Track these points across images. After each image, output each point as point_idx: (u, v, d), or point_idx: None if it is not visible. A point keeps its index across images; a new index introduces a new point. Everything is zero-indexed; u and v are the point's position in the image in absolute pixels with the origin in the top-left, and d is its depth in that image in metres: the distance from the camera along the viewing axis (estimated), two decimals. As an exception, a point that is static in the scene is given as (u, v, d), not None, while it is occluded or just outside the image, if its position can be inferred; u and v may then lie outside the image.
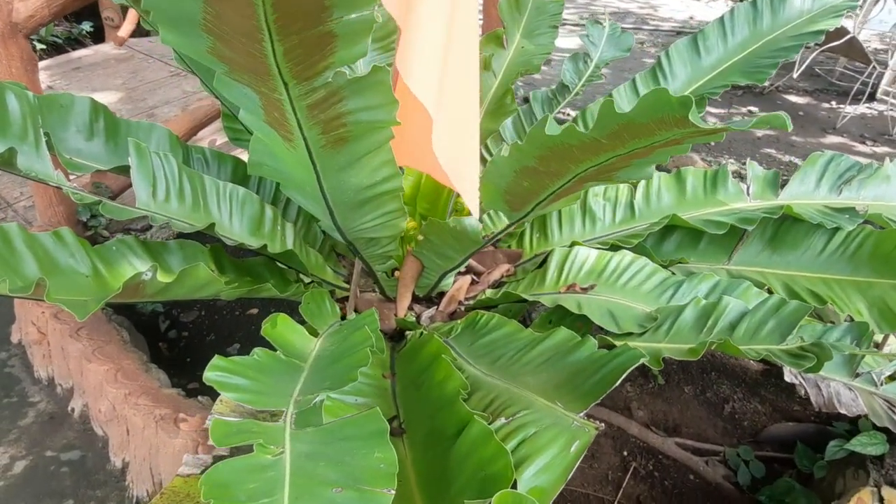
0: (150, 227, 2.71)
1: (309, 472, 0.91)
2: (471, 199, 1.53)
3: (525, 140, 1.16)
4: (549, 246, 2.00)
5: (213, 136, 3.27)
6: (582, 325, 1.60)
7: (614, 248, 1.84)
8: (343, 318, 1.79)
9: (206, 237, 1.59)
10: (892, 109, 4.72)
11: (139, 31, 4.31)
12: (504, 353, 1.42)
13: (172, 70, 4.27)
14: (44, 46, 4.80)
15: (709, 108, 4.54)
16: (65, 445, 1.97)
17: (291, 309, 1.63)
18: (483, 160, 2.22)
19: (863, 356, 1.63)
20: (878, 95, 4.96)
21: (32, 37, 2.04)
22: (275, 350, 1.31)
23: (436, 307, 1.92)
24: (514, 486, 0.94)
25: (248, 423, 1.04)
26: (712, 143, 4.26)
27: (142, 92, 3.98)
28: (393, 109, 1.16)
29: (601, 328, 1.55)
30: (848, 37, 4.35)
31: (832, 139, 4.41)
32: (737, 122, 0.88)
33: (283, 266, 1.85)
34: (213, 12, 0.92)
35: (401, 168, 1.43)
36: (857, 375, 1.65)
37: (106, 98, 3.78)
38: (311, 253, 1.89)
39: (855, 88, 4.73)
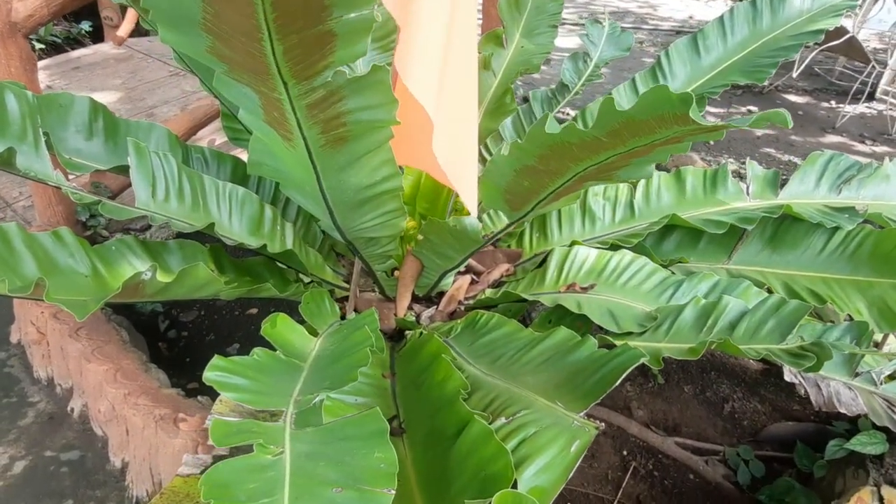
0: (150, 226, 2.70)
1: (309, 472, 0.90)
2: (469, 198, 1.53)
3: (525, 139, 1.16)
4: (549, 245, 2.00)
5: (212, 136, 3.27)
6: (582, 324, 1.60)
7: (614, 247, 1.84)
8: (343, 317, 1.79)
9: (205, 237, 1.59)
10: (891, 109, 4.72)
11: (138, 31, 4.31)
12: (504, 352, 1.41)
13: (172, 70, 4.26)
14: (43, 46, 4.80)
15: (708, 108, 4.53)
16: (64, 445, 1.97)
17: (291, 309, 1.63)
18: (483, 159, 2.22)
19: (862, 355, 1.63)
20: (878, 95, 4.97)
21: (31, 36, 2.04)
22: (274, 350, 1.31)
23: (435, 307, 1.92)
24: (515, 486, 0.94)
25: (248, 423, 1.03)
26: (711, 143, 4.26)
27: (141, 91, 3.98)
28: (392, 109, 1.16)
29: (601, 328, 1.55)
30: (847, 36, 4.35)
31: (831, 138, 4.41)
32: (737, 120, 0.87)
33: (282, 266, 1.85)
34: (212, 11, 0.92)
35: (400, 167, 1.43)
36: (857, 375, 1.65)
37: (105, 98, 3.78)
38: (311, 252, 1.89)
39: (854, 88, 4.73)
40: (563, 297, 1.66)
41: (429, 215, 2.02)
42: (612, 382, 1.10)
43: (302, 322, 1.54)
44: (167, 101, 3.85)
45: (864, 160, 1.97)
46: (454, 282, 1.94)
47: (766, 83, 5.20)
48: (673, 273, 1.71)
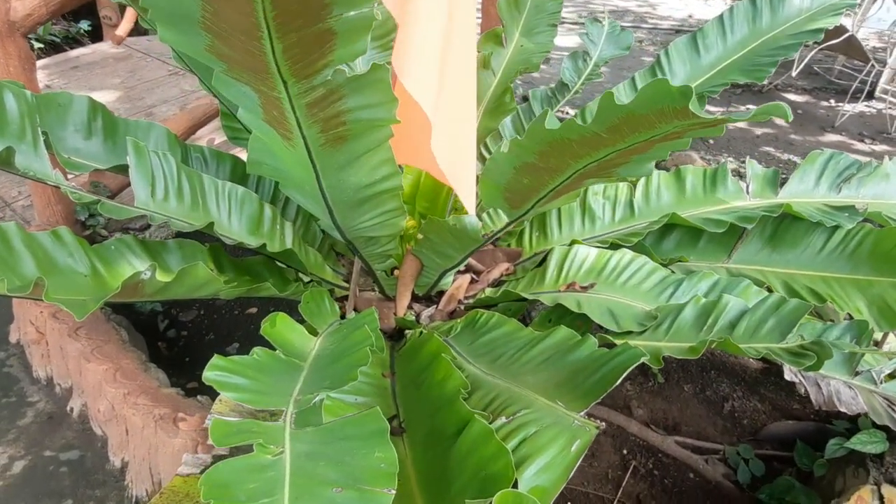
0: (149, 226, 2.70)
1: (309, 471, 0.90)
2: (467, 197, 1.53)
3: (525, 135, 1.16)
4: (549, 244, 2.00)
5: (211, 135, 3.27)
6: (581, 323, 1.60)
7: (614, 246, 1.83)
8: (342, 317, 1.79)
9: (204, 236, 1.59)
10: (890, 107, 4.72)
11: (137, 30, 4.30)
12: (504, 351, 1.41)
13: (171, 69, 4.26)
14: (41, 45, 4.79)
15: (708, 107, 4.53)
16: (64, 445, 1.97)
17: (291, 308, 1.63)
18: (482, 158, 2.21)
19: (862, 354, 1.63)
20: (877, 94, 4.96)
21: (30, 35, 2.04)
22: (274, 349, 1.31)
23: (435, 306, 1.92)
24: (515, 486, 0.94)
25: (248, 423, 1.03)
26: (711, 142, 4.26)
27: (140, 91, 3.97)
28: (392, 107, 1.16)
29: (600, 327, 1.55)
30: (847, 35, 4.35)
31: (831, 137, 4.41)
32: (738, 114, 0.87)
33: (282, 265, 1.85)
34: (211, 10, 0.92)
35: (400, 166, 1.42)
36: (857, 374, 1.65)
37: (104, 97, 3.78)
38: (311, 252, 1.89)
39: (854, 87, 4.73)
40: (562, 296, 1.66)
41: (428, 214, 2.01)
42: (613, 382, 1.10)
43: (301, 321, 1.54)
44: (166, 101, 3.85)
45: (863, 159, 1.97)
46: (454, 281, 1.94)
47: (765, 82, 5.20)
48: (673, 272, 1.71)
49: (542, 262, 1.86)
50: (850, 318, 1.62)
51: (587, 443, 1.01)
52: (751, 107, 4.82)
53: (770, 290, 1.70)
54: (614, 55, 2.34)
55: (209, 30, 0.97)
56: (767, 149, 4.23)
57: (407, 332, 1.76)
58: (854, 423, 1.75)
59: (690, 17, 7.73)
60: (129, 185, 1.55)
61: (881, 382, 1.64)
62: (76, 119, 1.71)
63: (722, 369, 2.23)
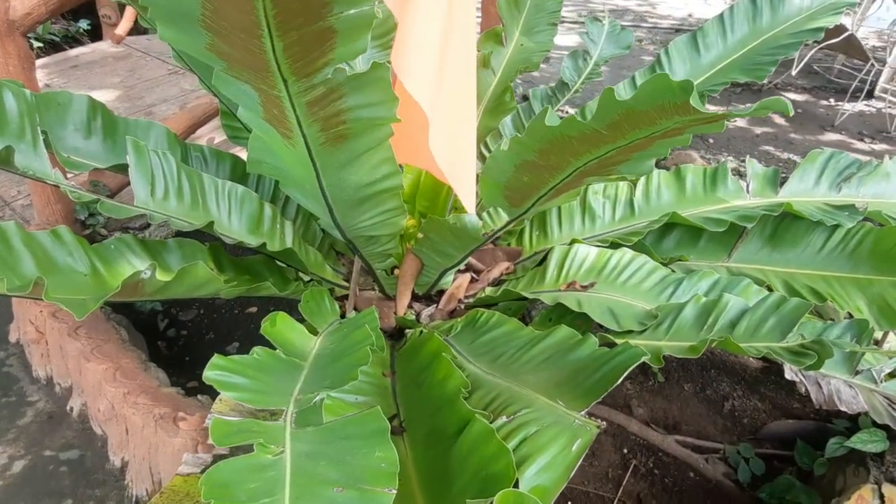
0: (149, 225, 2.70)
1: (309, 471, 0.90)
2: (466, 196, 1.52)
3: (525, 132, 1.16)
4: (549, 244, 2.00)
5: (211, 135, 3.27)
6: (582, 323, 1.60)
7: (614, 245, 1.83)
8: (342, 316, 1.79)
9: (204, 235, 1.59)
10: (890, 107, 4.72)
11: (137, 29, 4.30)
12: (504, 351, 1.41)
13: (170, 68, 4.25)
14: (41, 44, 4.78)
15: (708, 106, 4.52)
16: (63, 445, 1.97)
17: (290, 307, 1.62)
18: (482, 157, 2.21)
19: (863, 353, 1.63)
20: (877, 93, 4.96)
21: (29, 34, 2.03)
22: (274, 349, 1.31)
23: (435, 305, 1.92)
24: (516, 485, 0.94)
25: (249, 423, 1.03)
26: (711, 141, 4.26)
27: (139, 90, 3.97)
28: (393, 106, 1.16)
29: (601, 326, 1.55)
30: (846, 34, 4.34)
31: (830, 136, 4.41)
32: (738, 109, 0.87)
33: (282, 264, 1.85)
34: (211, 8, 0.92)
35: (400, 166, 1.42)
36: (858, 373, 1.65)
37: (103, 96, 3.77)
38: (311, 251, 1.89)
39: (853, 86, 4.72)
40: (563, 295, 1.66)
41: (429, 213, 2.01)
42: (614, 381, 1.10)
43: (302, 321, 1.54)
44: (166, 100, 3.85)
45: (863, 158, 1.97)
46: (454, 280, 1.93)
47: (765, 81, 5.19)
48: (673, 271, 1.71)
49: (543, 261, 1.85)
50: (850, 316, 1.62)
51: (588, 442, 1.01)
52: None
53: (770, 290, 1.70)
54: (614, 54, 2.34)
55: (209, 28, 0.96)
56: (767, 148, 4.22)
57: (407, 331, 1.76)
58: (854, 422, 1.75)
59: (690, 16, 7.72)
60: (128, 184, 1.55)
61: (881, 381, 1.64)
62: (76, 118, 1.71)
63: (722, 368, 2.23)
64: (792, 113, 0.83)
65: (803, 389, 1.69)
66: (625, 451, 1.94)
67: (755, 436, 1.98)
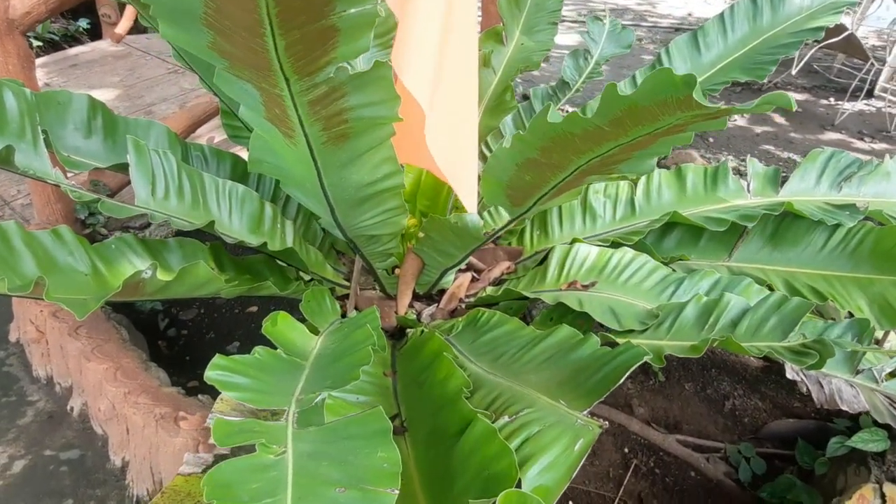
0: (149, 224, 2.70)
1: (311, 471, 0.90)
2: (466, 195, 1.52)
3: (528, 129, 1.16)
4: (550, 243, 2.00)
5: (210, 134, 3.26)
6: (583, 322, 1.60)
7: (615, 245, 1.83)
8: (343, 315, 1.79)
9: (205, 235, 1.59)
10: (890, 106, 4.72)
11: (136, 28, 4.29)
12: (506, 350, 1.41)
13: (170, 67, 4.25)
14: (40, 43, 4.77)
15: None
16: (64, 444, 1.96)
17: (291, 307, 1.62)
18: (483, 157, 2.21)
19: (864, 353, 1.63)
20: (876, 92, 4.96)
21: (29, 34, 2.03)
22: (275, 348, 1.31)
23: (436, 305, 1.91)
24: (519, 485, 0.93)
25: (251, 423, 1.03)
26: (711, 140, 4.26)
27: (139, 89, 3.96)
28: (395, 105, 1.16)
29: (601, 325, 1.54)
30: (846, 33, 4.34)
31: (830, 136, 4.41)
32: (742, 105, 0.87)
33: (282, 264, 1.85)
34: (214, 6, 0.91)
35: (401, 165, 1.42)
36: (858, 372, 1.65)
37: (103, 95, 3.77)
38: (311, 250, 1.89)
39: (853, 85, 4.72)
40: (564, 294, 1.66)
41: (429, 213, 2.01)
42: (616, 381, 1.10)
43: (302, 320, 1.54)
44: (166, 99, 3.84)
45: (863, 157, 1.97)
46: (455, 279, 1.93)
47: (765, 80, 5.19)
48: (674, 270, 1.71)
49: (543, 260, 1.85)
50: (851, 316, 1.62)
51: (590, 442, 1.01)
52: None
53: (771, 289, 1.70)
54: (615, 53, 2.34)
55: (211, 26, 0.96)
56: (767, 147, 4.22)
57: (408, 330, 1.76)
58: (855, 422, 1.75)
59: (690, 15, 7.72)
60: (128, 183, 1.55)
61: (882, 381, 1.64)
62: (76, 117, 1.71)
63: (722, 367, 2.23)
64: (796, 108, 0.83)
65: (805, 389, 1.69)
66: (626, 450, 1.94)
67: (756, 435, 1.98)
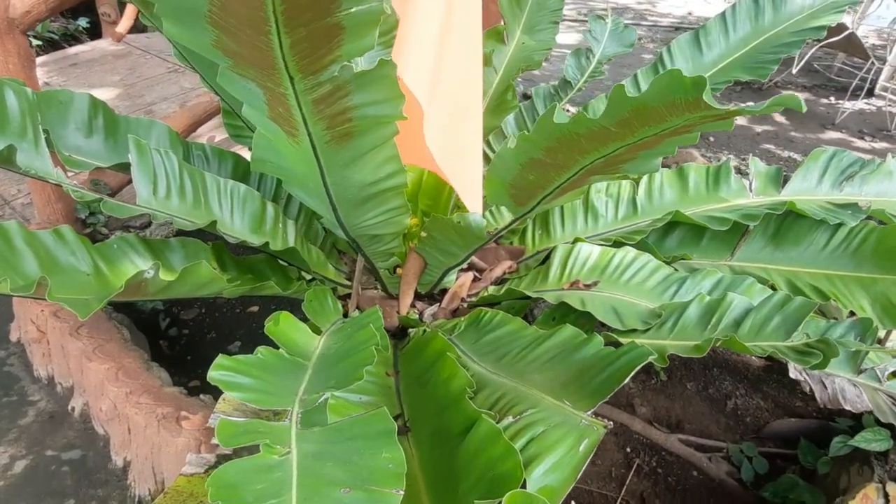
0: (150, 224, 2.69)
1: (316, 472, 0.90)
2: (467, 194, 1.52)
3: (533, 130, 1.15)
4: (552, 242, 2.00)
5: (211, 133, 3.26)
6: (585, 322, 1.60)
7: (617, 244, 1.83)
8: (345, 315, 1.79)
9: (206, 235, 1.58)
10: (890, 105, 4.72)
11: (136, 27, 4.28)
12: (509, 350, 1.41)
13: (170, 66, 4.24)
14: (40, 43, 4.76)
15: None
16: (65, 445, 1.96)
17: (292, 306, 1.62)
18: (485, 156, 2.21)
19: (867, 352, 1.63)
20: (877, 91, 4.97)
21: (28, 33, 2.02)
22: (278, 348, 1.30)
23: (438, 304, 1.91)
24: (524, 486, 0.93)
25: (255, 423, 1.03)
26: (711, 139, 4.25)
27: (140, 88, 3.96)
28: (399, 104, 1.15)
29: (603, 325, 1.54)
30: (847, 32, 4.34)
31: (831, 135, 4.41)
32: (751, 106, 0.87)
33: (284, 263, 1.84)
34: (219, 4, 0.91)
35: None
36: (861, 371, 1.65)
37: (103, 94, 3.76)
38: (313, 250, 1.88)
39: (854, 84, 4.72)
40: (566, 294, 1.66)
41: (431, 212, 2.01)
42: (620, 381, 1.10)
43: (304, 320, 1.53)
44: (166, 98, 3.84)
45: (864, 156, 1.97)
46: (457, 279, 1.93)
47: (765, 79, 5.19)
48: (676, 270, 1.71)
49: (546, 259, 1.85)
50: (853, 315, 1.61)
51: (595, 442, 1.01)
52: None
53: (774, 288, 1.70)
54: (617, 52, 2.34)
55: (216, 24, 0.96)
56: (768, 146, 4.22)
57: (410, 330, 1.76)
58: (857, 421, 1.75)
59: (690, 14, 7.72)
60: (129, 182, 1.54)
61: (885, 380, 1.64)
62: (77, 117, 1.70)
63: (724, 367, 2.23)
64: (805, 109, 0.83)
65: (808, 388, 1.69)
66: (628, 450, 1.93)
67: (758, 434, 1.98)
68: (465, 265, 1.86)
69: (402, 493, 0.85)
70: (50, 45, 4.87)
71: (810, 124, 4.55)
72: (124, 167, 1.58)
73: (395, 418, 1.25)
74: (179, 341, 2.34)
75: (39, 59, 4.21)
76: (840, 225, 1.78)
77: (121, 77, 4.09)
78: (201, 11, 0.93)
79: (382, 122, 1.20)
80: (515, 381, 1.26)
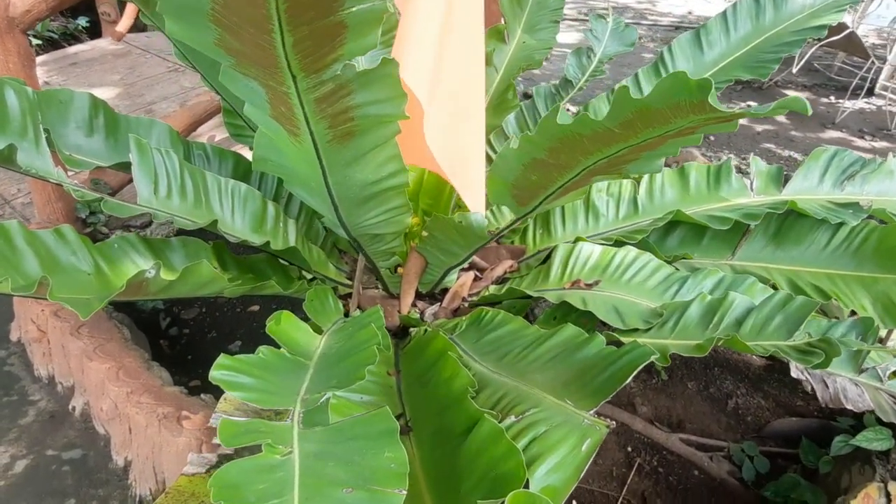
0: (150, 223, 2.69)
1: (318, 472, 0.90)
2: (468, 194, 1.52)
3: (536, 130, 1.15)
4: (553, 242, 2.00)
5: (211, 132, 3.26)
6: (586, 321, 1.59)
7: (618, 243, 1.83)
8: (346, 314, 1.78)
9: (207, 234, 1.58)
10: (890, 104, 4.72)
11: (136, 26, 4.28)
12: (510, 349, 1.40)
13: (170, 65, 4.24)
14: (39, 42, 4.76)
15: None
16: (66, 444, 1.96)
17: (293, 305, 1.62)
18: (486, 156, 2.21)
19: (868, 351, 1.63)
20: (877, 90, 4.97)
21: (28, 32, 2.02)
22: (279, 347, 1.30)
23: (439, 304, 1.91)
24: (526, 486, 0.93)
25: (257, 423, 1.03)
26: (711, 138, 4.25)
27: (139, 87, 3.95)
28: (401, 103, 1.15)
29: (604, 324, 1.54)
30: (847, 31, 4.34)
31: (831, 134, 4.41)
32: (756, 108, 0.86)
33: (285, 263, 1.84)
34: (222, 2, 0.91)
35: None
36: (863, 371, 1.64)
37: (103, 94, 3.75)
38: (314, 249, 1.88)
39: (854, 83, 4.72)
40: (568, 293, 1.66)
41: (432, 211, 2.01)
42: (623, 380, 1.10)
43: (305, 319, 1.53)
44: (166, 97, 3.83)
45: (864, 155, 1.97)
46: (458, 278, 1.93)
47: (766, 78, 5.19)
48: (677, 269, 1.70)
49: (547, 259, 1.85)
50: (854, 314, 1.61)
51: (598, 442, 1.01)
52: (751, 103, 4.81)
53: (775, 288, 1.70)
54: (618, 52, 2.33)
55: (219, 23, 0.95)
56: (768, 145, 4.22)
57: (411, 329, 1.76)
58: (858, 420, 1.75)
59: (690, 13, 7.71)
60: (129, 182, 1.54)
61: (886, 379, 1.64)
62: (77, 116, 1.70)
63: (725, 366, 2.23)
64: (811, 112, 0.83)
65: (809, 388, 1.69)
66: (629, 449, 1.93)
67: (759, 434, 1.98)
68: (466, 264, 1.86)
69: (404, 493, 0.85)
70: (49, 45, 4.86)
71: (810, 124, 4.55)
72: (125, 166, 1.57)
73: (397, 418, 1.25)
74: (180, 341, 2.34)
75: (39, 59, 4.21)
76: (841, 224, 1.78)
77: (121, 76, 4.08)
78: (204, 10, 0.93)
79: (384, 121, 1.20)
80: (517, 380, 1.26)
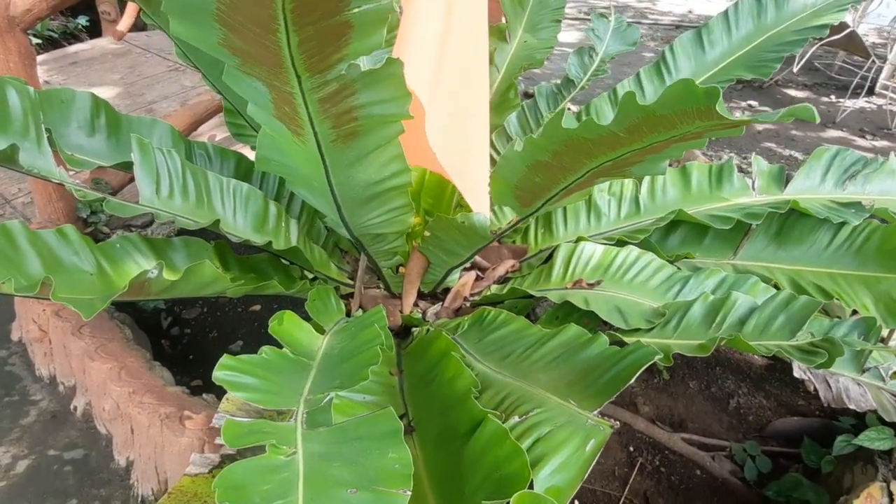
0: (151, 223, 2.69)
1: (323, 472, 0.90)
2: (471, 194, 1.51)
3: (540, 133, 1.15)
4: (555, 241, 1.99)
5: (212, 132, 3.25)
6: (589, 321, 1.59)
7: (620, 243, 1.83)
8: (348, 314, 1.78)
9: (208, 234, 1.58)
10: (891, 103, 4.72)
11: (136, 26, 4.27)
12: (513, 349, 1.40)
13: (170, 65, 4.24)
14: (39, 41, 4.75)
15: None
16: (67, 444, 1.96)
17: (294, 305, 1.62)
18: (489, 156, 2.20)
19: (870, 351, 1.63)
20: (877, 90, 4.96)
21: (28, 31, 2.02)
22: (281, 347, 1.30)
23: (441, 303, 1.91)
24: (531, 486, 0.93)
25: (260, 424, 1.03)
26: (713, 138, 4.25)
27: (140, 87, 3.95)
28: (405, 103, 1.15)
29: (606, 324, 1.54)
30: (847, 31, 4.34)
31: (832, 133, 4.41)
32: (765, 115, 0.86)
33: (287, 263, 1.84)
34: (227, 2, 0.90)
35: (406, 164, 1.41)
36: (865, 370, 1.64)
37: (104, 93, 3.75)
38: (316, 249, 1.88)
39: (854, 83, 4.72)
40: (570, 293, 1.65)
41: (434, 211, 2.01)
42: (626, 380, 1.10)
43: (306, 319, 1.53)
44: (166, 97, 3.83)
45: (866, 155, 1.97)
46: (460, 278, 1.93)
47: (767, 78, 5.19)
48: (679, 269, 1.70)
49: (549, 258, 1.85)
50: (856, 314, 1.61)
51: (602, 442, 1.00)
52: (752, 103, 4.81)
53: (777, 287, 1.70)
54: (620, 51, 2.33)
55: (224, 23, 0.95)
56: (769, 145, 4.22)
57: (413, 329, 1.75)
58: (860, 420, 1.75)
59: (690, 12, 7.71)
60: (130, 181, 1.54)
61: (889, 379, 1.64)
62: (79, 116, 1.70)
63: (727, 365, 2.23)
64: (818, 120, 0.83)
65: (812, 388, 1.69)
66: (631, 449, 1.93)
67: (761, 433, 1.98)
68: (467, 264, 1.86)
69: (409, 493, 0.85)
70: (50, 44, 4.86)
71: (811, 123, 4.54)
72: (126, 166, 1.57)
73: (400, 418, 1.25)
74: (181, 341, 2.34)
75: (39, 58, 4.20)
76: (843, 224, 1.78)
77: (121, 76, 4.08)
78: (209, 9, 0.92)
79: (388, 120, 1.20)
80: (520, 380, 1.26)
